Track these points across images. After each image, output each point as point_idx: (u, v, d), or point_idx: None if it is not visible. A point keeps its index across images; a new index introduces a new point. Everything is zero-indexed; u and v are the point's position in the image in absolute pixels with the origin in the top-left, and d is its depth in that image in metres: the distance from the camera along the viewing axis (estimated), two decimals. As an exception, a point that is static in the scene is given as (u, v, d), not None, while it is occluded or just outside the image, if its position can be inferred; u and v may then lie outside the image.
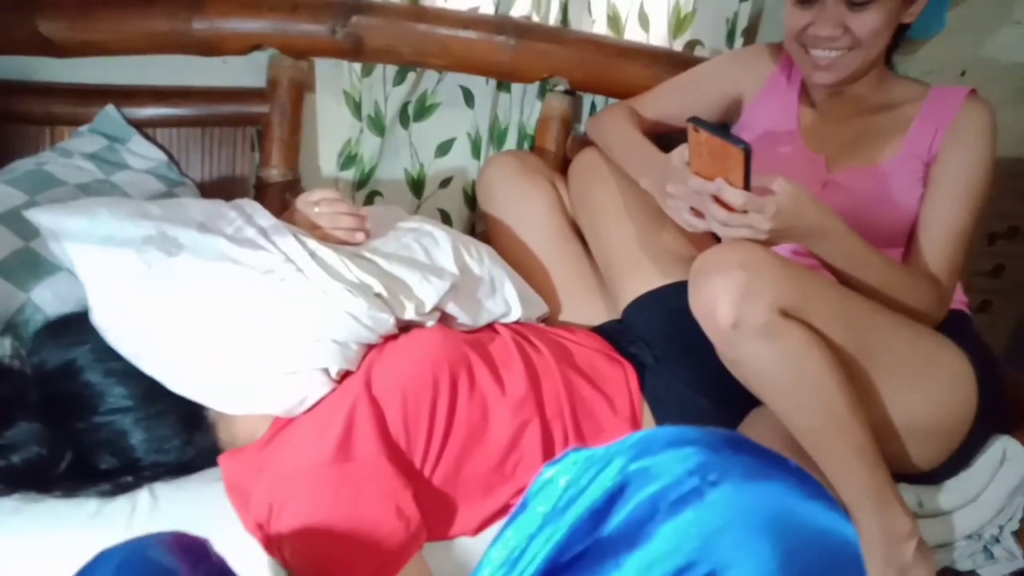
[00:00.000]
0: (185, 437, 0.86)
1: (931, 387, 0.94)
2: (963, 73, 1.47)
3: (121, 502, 0.82)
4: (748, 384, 0.91)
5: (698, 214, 0.92)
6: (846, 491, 0.88)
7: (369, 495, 0.80)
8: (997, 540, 1.00)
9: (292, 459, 0.83)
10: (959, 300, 1.08)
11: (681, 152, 0.94)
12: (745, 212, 0.87)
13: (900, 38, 1.08)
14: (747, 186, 0.86)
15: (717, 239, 1.03)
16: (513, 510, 0.52)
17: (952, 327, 1.00)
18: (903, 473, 0.96)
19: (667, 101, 1.21)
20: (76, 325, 0.86)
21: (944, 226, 1.00)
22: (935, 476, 1.00)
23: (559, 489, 0.49)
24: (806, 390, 0.87)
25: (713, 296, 0.85)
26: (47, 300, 0.94)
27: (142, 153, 1.19)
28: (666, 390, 1.02)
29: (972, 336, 1.03)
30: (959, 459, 0.99)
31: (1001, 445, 1.01)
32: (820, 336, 0.88)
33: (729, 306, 0.84)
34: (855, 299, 0.93)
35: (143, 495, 0.84)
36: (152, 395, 0.84)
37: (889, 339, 0.93)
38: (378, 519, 0.79)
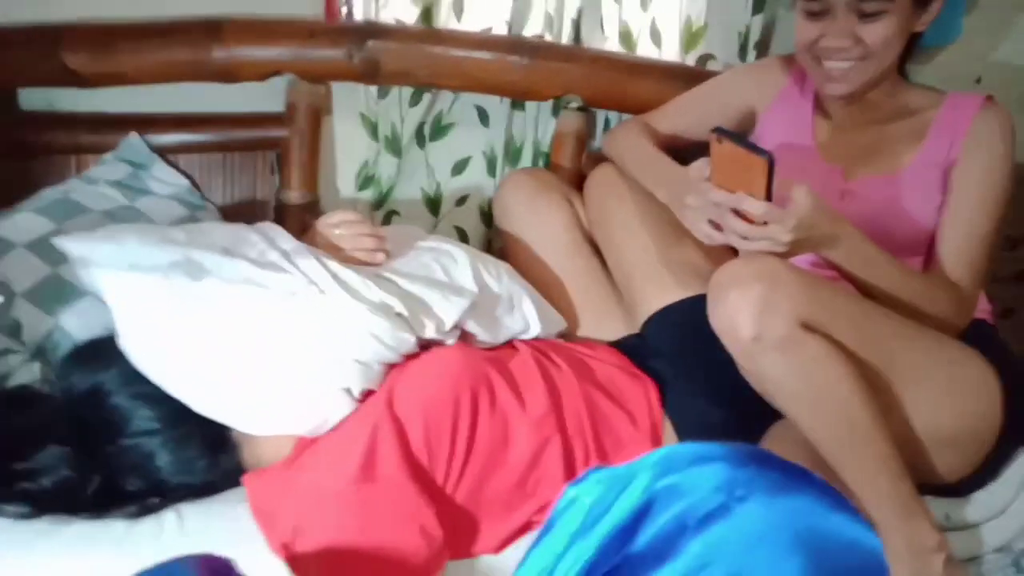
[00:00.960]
0: (210, 458, 0.87)
1: (954, 397, 0.93)
2: (978, 80, 1.46)
3: (148, 523, 0.83)
4: (769, 397, 0.90)
5: (716, 227, 0.92)
6: (871, 504, 0.87)
7: (392, 515, 0.81)
8: (1028, 553, 0.98)
9: (316, 480, 0.83)
10: (983, 309, 1.06)
11: (700, 165, 0.94)
12: (765, 224, 0.87)
13: (914, 46, 1.07)
14: (769, 196, 0.86)
15: (735, 252, 1.03)
16: (538, 531, 0.52)
17: (975, 336, 0.98)
18: (929, 485, 0.95)
19: (681, 116, 1.21)
20: (103, 350, 0.88)
21: (965, 232, 0.99)
22: (962, 488, 0.98)
23: (584, 507, 0.49)
24: (827, 402, 0.86)
25: (733, 310, 0.85)
26: (75, 325, 0.96)
27: (165, 179, 1.21)
28: (686, 404, 1.02)
29: (997, 345, 1.01)
30: (986, 471, 0.97)
31: (1026, 455, 0.99)
32: (841, 348, 0.87)
33: (749, 320, 0.84)
34: (875, 310, 0.93)
35: (169, 516, 0.85)
36: (178, 417, 0.86)
37: (910, 349, 0.93)
38: (402, 538, 0.80)
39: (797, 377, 0.86)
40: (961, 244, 0.99)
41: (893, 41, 0.99)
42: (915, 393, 0.92)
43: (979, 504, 0.98)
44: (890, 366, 0.91)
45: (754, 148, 0.85)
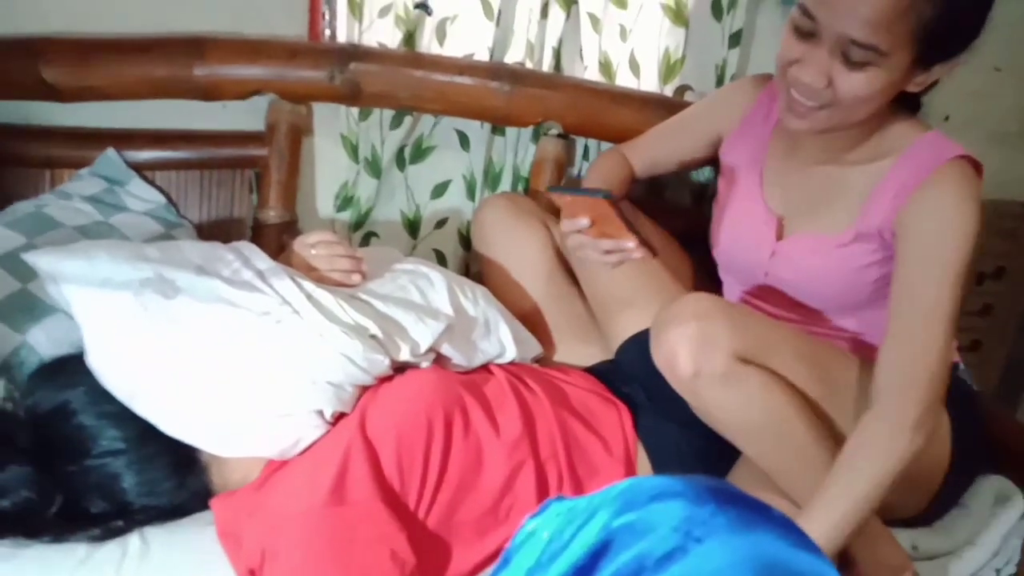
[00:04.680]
0: (177, 480, 0.86)
1: None
2: (947, 118, 1.51)
3: (111, 548, 0.82)
4: (719, 430, 0.91)
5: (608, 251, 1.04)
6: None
7: (363, 539, 0.80)
8: (994, 584, 0.99)
9: (285, 503, 0.82)
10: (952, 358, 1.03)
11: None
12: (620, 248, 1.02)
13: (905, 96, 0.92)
14: (629, 226, 1.01)
15: (713, 283, 1.05)
16: (494, 566, 0.51)
17: None
18: (886, 518, 0.94)
19: (656, 146, 1.22)
20: (71, 367, 0.87)
21: (911, 346, 0.86)
22: (924, 518, 0.99)
23: (542, 543, 0.48)
24: (773, 432, 0.87)
25: (671, 347, 0.87)
26: (42, 342, 0.94)
27: (141, 195, 1.20)
28: (659, 430, 1.02)
29: (957, 389, 0.97)
30: (942, 501, 0.98)
31: (994, 485, 1.00)
32: (782, 379, 0.88)
33: (687, 356, 0.85)
34: (814, 341, 0.94)
35: (133, 540, 0.83)
36: (145, 438, 0.84)
37: (852, 377, 0.93)
38: (372, 564, 0.79)
39: (740, 410, 0.87)
40: (907, 357, 0.86)
41: (867, 100, 0.87)
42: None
43: (946, 534, 0.99)
44: (833, 394, 0.91)
45: (592, 192, 0.99)
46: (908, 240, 0.89)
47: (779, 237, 1.02)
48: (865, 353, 0.98)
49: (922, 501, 0.97)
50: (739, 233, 1.06)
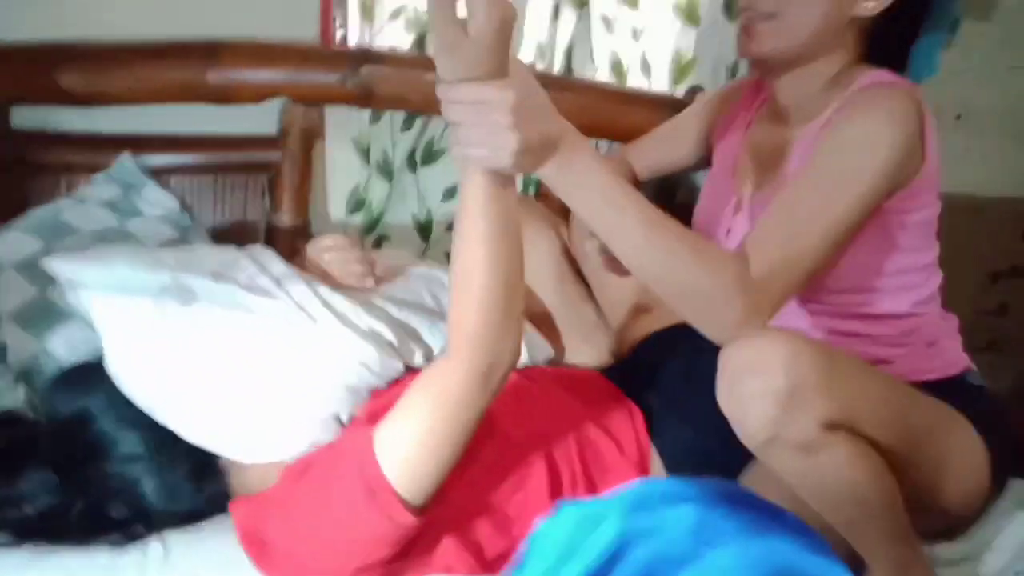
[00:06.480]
0: (197, 485, 0.87)
1: (963, 483, 0.90)
2: (958, 116, 1.49)
3: (133, 553, 0.82)
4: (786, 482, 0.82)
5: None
6: (867, 557, 0.82)
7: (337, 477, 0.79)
8: (1015, 588, 0.98)
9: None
10: (961, 364, 1.00)
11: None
12: None
13: (873, 44, 0.90)
14: None
15: None
16: (507, 569, 0.51)
17: (956, 396, 0.92)
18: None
19: (655, 148, 1.21)
20: (90, 374, 0.87)
21: (786, 207, 0.79)
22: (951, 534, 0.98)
23: (555, 545, 0.48)
24: (846, 502, 0.78)
25: (748, 402, 0.74)
26: (61, 349, 0.95)
27: (156, 200, 1.21)
28: (672, 432, 1.02)
29: (979, 404, 0.94)
30: (973, 520, 0.96)
31: (1014, 490, 1.00)
32: (868, 442, 0.78)
33: (766, 418, 0.73)
34: (898, 389, 0.86)
35: (154, 545, 0.84)
36: (164, 443, 0.85)
37: (930, 435, 0.86)
38: (350, 480, 0.78)
39: (814, 479, 0.78)
40: (772, 224, 0.78)
41: (811, 4, 0.84)
42: (930, 472, 0.86)
43: (964, 539, 0.97)
44: (916, 458, 0.84)
45: None
46: (816, 150, 0.82)
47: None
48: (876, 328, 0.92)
49: (960, 524, 0.94)
50: (710, 225, 1.03)
